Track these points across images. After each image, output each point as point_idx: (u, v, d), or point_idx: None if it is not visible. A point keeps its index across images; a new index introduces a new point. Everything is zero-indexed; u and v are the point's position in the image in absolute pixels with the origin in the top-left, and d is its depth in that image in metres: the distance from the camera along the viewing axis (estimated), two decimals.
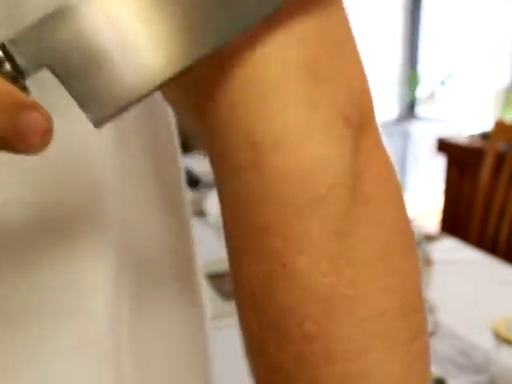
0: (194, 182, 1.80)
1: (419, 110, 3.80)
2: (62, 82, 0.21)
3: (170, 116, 0.39)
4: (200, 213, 1.55)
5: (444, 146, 2.24)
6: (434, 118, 3.71)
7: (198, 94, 0.25)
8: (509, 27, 3.30)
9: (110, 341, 0.32)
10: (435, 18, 3.60)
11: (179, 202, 0.40)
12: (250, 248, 0.24)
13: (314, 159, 0.23)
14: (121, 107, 0.22)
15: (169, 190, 0.38)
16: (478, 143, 2.10)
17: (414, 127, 3.65)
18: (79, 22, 0.21)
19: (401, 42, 3.68)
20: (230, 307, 1.06)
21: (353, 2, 3.36)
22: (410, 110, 3.81)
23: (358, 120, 0.24)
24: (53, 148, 0.21)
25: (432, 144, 2.43)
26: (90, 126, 0.22)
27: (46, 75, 0.21)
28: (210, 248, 1.33)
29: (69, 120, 0.26)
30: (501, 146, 1.79)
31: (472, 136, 2.23)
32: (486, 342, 0.98)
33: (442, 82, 3.59)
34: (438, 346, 0.96)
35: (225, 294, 1.11)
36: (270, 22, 0.23)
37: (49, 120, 0.20)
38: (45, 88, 0.23)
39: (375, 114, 0.26)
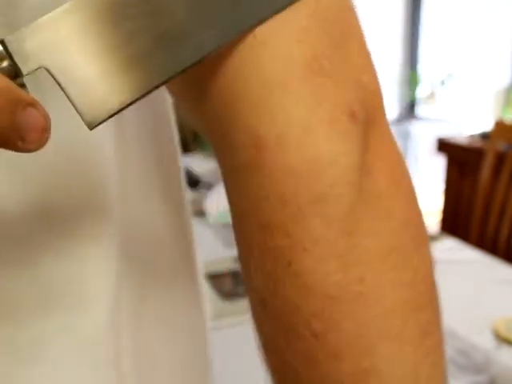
0: (193, 182, 1.80)
1: (419, 109, 3.80)
2: (58, 83, 0.22)
3: (170, 115, 0.39)
4: (200, 213, 1.55)
5: (444, 145, 2.24)
6: (434, 118, 3.71)
7: (201, 91, 0.25)
8: (509, 27, 3.30)
9: (110, 340, 0.32)
10: (435, 18, 3.60)
11: (179, 201, 0.40)
12: (256, 246, 0.24)
13: (318, 157, 0.23)
14: (110, 112, 0.22)
15: (169, 190, 0.38)
16: (478, 143, 2.10)
17: (414, 127, 3.65)
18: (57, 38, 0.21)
19: (401, 42, 3.67)
20: (230, 307, 1.06)
21: (353, 2, 3.36)
22: (409, 110, 3.81)
23: (365, 115, 0.24)
24: (56, 143, 0.21)
25: (432, 144, 2.43)
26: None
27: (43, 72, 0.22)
28: (210, 248, 1.33)
29: (70, 115, 0.26)
30: (501, 146, 1.79)
31: (472, 136, 2.23)
32: (485, 342, 0.98)
33: (442, 82, 3.59)
34: None
35: (225, 294, 1.11)
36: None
37: (46, 117, 0.20)
38: (42, 84, 0.23)
39: (384, 108, 0.26)
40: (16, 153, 0.20)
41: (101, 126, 0.22)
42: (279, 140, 0.23)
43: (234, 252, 0.29)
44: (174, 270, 0.39)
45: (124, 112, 0.22)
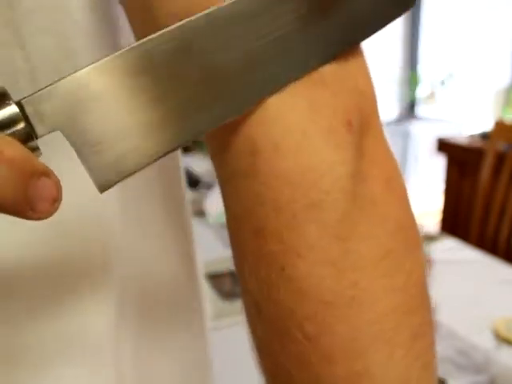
0: (193, 182, 1.80)
1: (419, 109, 3.80)
2: (73, 145, 0.21)
3: None
4: (200, 213, 1.55)
5: (444, 145, 2.24)
6: (434, 117, 3.71)
7: None
8: (509, 27, 3.30)
9: (111, 333, 0.32)
10: (435, 18, 3.60)
11: (179, 202, 0.40)
12: (250, 251, 0.24)
13: (314, 165, 0.23)
14: (125, 175, 0.22)
15: (169, 190, 0.38)
16: (478, 143, 2.10)
17: (414, 127, 3.65)
18: (85, 97, 0.21)
19: (401, 43, 3.67)
20: (230, 307, 1.06)
21: None
22: (409, 110, 3.81)
23: (361, 122, 0.24)
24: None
25: (432, 144, 2.43)
26: None
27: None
28: (209, 248, 1.33)
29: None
30: (501, 145, 1.79)
31: (472, 136, 2.23)
32: (485, 342, 0.98)
33: (442, 82, 3.59)
34: (438, 346, 0.96)
35: (225, 294, 1.11)
36: None
37: (59, 187, 0.20)
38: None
39: (379, 111, 0.26)
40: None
41: None
42: (276, 148, 0.23)
43: None
44: (174, 272, 0.39)
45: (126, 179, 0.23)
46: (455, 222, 2.11)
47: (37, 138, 0.21)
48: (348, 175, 0.23)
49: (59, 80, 0.21)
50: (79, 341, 0.31)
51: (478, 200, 1.78)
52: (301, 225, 0.23)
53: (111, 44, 0.31)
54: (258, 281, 0.24)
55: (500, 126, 1.79)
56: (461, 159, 2.15)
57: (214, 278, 1.17)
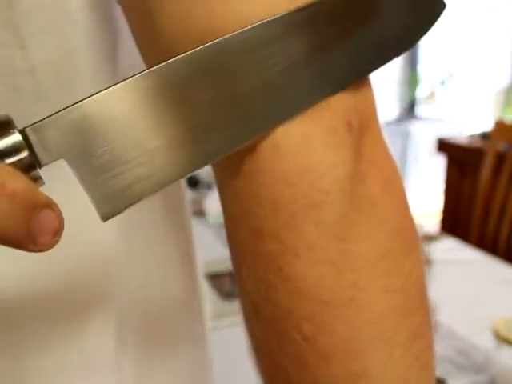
0: (193, 182, 1.80)
1: (419, 110, 3.80)
2: (77, 174, 0.21)
3: None
4: (200, 213, 1.55)
5: (444, 145, 2.24)
6: (434, 117, 3.71)
7: None
8: (509, 27, 3.30)
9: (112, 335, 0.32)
10: None
11: (179, 202, 0.40)
12: (248, 251, 0.24)
13: (314, 165, 0.23)
14: (130, 204, 0.22)
15: (169, 190, 0.38)
16: (478, 143, 2.10)
17: (414, 127, 3.65)
18: (95, 124, 0.21)
19: None
20: (230, 307, 1.06)
21: None
22: (409, 110, 3.81)
23: (360, 123, 0.24)
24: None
25: (432, 144, 2.43)
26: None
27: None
28: (209, 248, 1.33)
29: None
30: (501, 145, 1.79)
31: (472, 136, 2.23)
32: (485, 342, 0.98)
33: (442, 82, 3.59)
34: (438, 346, 0.96)
35: (225, 294, 1.11)
36: None
37: (61, 219, 0.19)
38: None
39: (377, 113, 0.26)
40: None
41: None
42: (276, 148, 0.23)
43: None
44: (173, 273, 0.39)
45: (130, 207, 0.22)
46: (455, 222, 2.11)
47: (40, 167, 0.20)
48: (347, 176, 0.23)
49: (66, 108, 0.21)
50: (79, 366, 0.31)
51: (478, 200, 1.78)
52: (299, 225, 0.23)
53: (111, 44, 0.31)
54: (255, 281, 0.24)
55: (500, 126, 1.79)
56: (461, 159, 2.14)
57: (214, 278, 1.17)
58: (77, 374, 0.31)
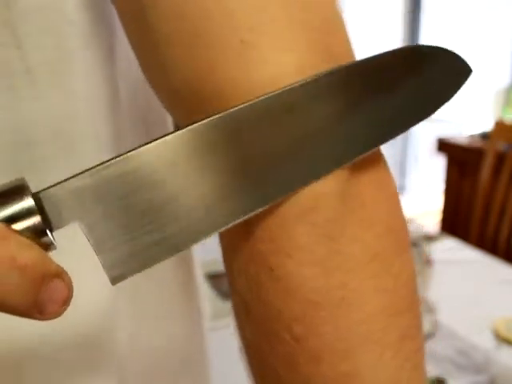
0: None
1: None
2: (89, 237, 0.21)
3: (166, 115, 0.39)
4: None
5: (444, 145, 2.23)
6: (434, 117, 3.70)
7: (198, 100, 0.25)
8: (509, 27, 3.29)
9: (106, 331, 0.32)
10: (435, 19, 3.60)
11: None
12: (240, 251, 0.24)
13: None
14: (142, 268, 0.21)
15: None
16: (478, 143, 2.10)
17: (414, 127, 3.64)
18: (112, 188, 0.20)
19: (401, 42, 3.67)
20: (230, 307, 1.06)
21: (353, 3, 3.36)
22: None
23: None
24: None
25: (432, 144, 2.43)
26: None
27: None
28: (209, 248, 1.33)
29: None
30: (501, 145, 1.79)
31: (472, 136, 2.23)
32: (485, 342, 0.98)
33: None
34: (438, 346, 0.96)
35: (224, 294, 1.11)
36: None
37: (70, 287, 0.19)
38: None
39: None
40: None
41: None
42: None
43: None
44: (171, 273, 0.39)
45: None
46: (455, 222, 2.11)
47: (52, 232, 0.20)
48: (340, 177, 0.23)
49: (80, 173, 0.20)
50: None
51: (478, 200, 1.78)
52: (291, 225, 0.23)
53: (108, 44, 0.31)
54: (247, 281, 0.24)
55: (500, 126, 1.79)
56: (461, 159, 2.14)
57: (214, 278, 1.17)
58: None
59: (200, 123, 0.21)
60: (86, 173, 0.20)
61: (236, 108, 0.21)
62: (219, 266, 1.16)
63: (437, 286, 1.18)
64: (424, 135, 3.55)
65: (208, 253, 1.27)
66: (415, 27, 3.66)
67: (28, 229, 0.19)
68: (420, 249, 1.24)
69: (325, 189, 0.23)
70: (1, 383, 0.29)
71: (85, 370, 0.31)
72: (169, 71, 0.24)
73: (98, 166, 0.20)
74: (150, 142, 0.21)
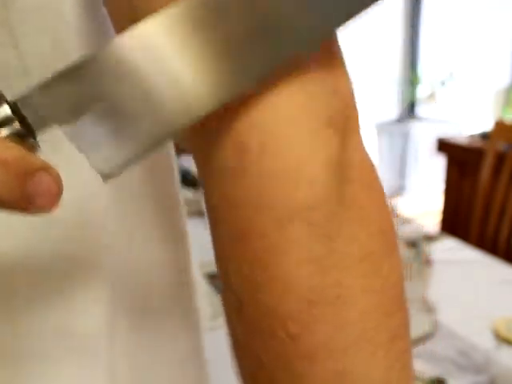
0: (193, 182, 1.80)
1: (419, 110, 3.80)
2: (71, 139, 0.21)
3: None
4: (199, 213, 1.54)
5: (444, 145, 2.23)
6: (434, 118, 3.71)
7: None
8: (509, 27, 3.30)
9: (104, 339, 0.32)
10: (435, 19, 3.60)
11: (174, 202, 0.40)
12: (234, 250, 0.24)
13: (299, 165, 0.23)
14: (135, 155, 0.22)
15: (163, 189, 0.38)
16: (478, 143, 2.10)
17: (414, 127, 3.65)
18: (104, 71, 0.21)
19: (401, 43, 3.67)
20: None
21: None
22: (410, 110, 3.81)
23: (344, 125, 0.24)
24: None
25: (432, 144, 2.43)
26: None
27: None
28: (209, 247, 1.33)
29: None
30: (501, 146, 1.79)
31: (472, 136, 2.23)
32: (486, 342, 0.98)
33: (442, 82, 3.59)
34: (438, 346, 0.96)
35: None
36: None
37: (58, 181, 0.20)
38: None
39: (359, 119, 0.26)
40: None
41: None
42: (263, 148, 0.23)
43: None
44: (168, 271, 0.39)
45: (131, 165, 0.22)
46: (455, 222, 2.11)
47: (35, 136, 0.21)
48: (332, 175, 0.23)
49: (53, 75, 0.21)
50: (72, 332, 0.31)
51: (478, 200, 1.78)
52: (286, 223, 0.23)
53: (104, 44, 0.31)
54: (241, 280, 0.24)
55: (500, 126, 1.79)
56: (461, 159, 2.14)
57: (213, 278, 1.17)
58: (70, 338, 0.31)
59: (180, 5, 0.21)
60: (61, 74, 0.21)
61: None
62: None
63: (437, 286, 1.18)
64: (424, 135, 3.55)
65: (207, 253, 1.27)
66: (415, 27, 3.66)
67: (10, 135, 0.20)
68: (420, 249, 1.24)
69: (322, 187, 0.23)
70: None
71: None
72: None
73: (71, 65, 0.21)
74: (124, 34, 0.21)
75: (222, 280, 0.26)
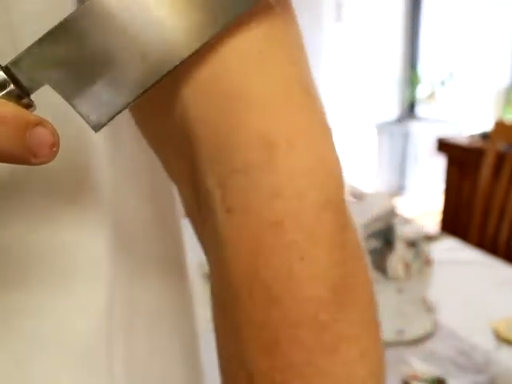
0: None
1: (419, 109, 3.80)
2: (64, 95, 0.24)
3: None
4: None
5: (444, 146, 2.23)
6: (434, 118, 3.71)
7: (195, 95, 0.26)
8: (509, 27, 3.30)
9: (102, 345, 0.32)
10: (435, 18, 3.60)
11: (170, 202, 0.40)
12: (266, 243, 0.25)
13: (325, 157, 0.26)
14: (121, 105, 0.24)
15: (160, 183, 0.38)
16: (478, 143, 2.10)
17: (414, 127, 3.65)
18: (91, 24, 0.23)
19: (401, 42, 3.67)
20: None
21: (353, 3, 3.36)
22: (409, 110, 3.81)
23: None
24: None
25: (432, 144, 2.43)
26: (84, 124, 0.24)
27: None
28: None
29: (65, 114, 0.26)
30: (501, 146, 1.79)
31: (472, 136, 2.23)
32: (485, 342, 0.98)
33: (442, 82, 3.59)
34: (438, 346, 0.96)
35: None
36: None
37: (54, 133, 0.22)
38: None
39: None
40: None
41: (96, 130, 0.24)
42: (290, 143, 0.25)
43: None
44: (164, 273, 0.39)
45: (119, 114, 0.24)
46: (455, 222, 2.11)
47: (28, 95, 0.23)
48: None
49: (41, 36, 0.23)
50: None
51: (478, 200, 1.78)
52: (318, 214, 0.25)
53: None
54: (275, 272, 0.25)
55: (500, 125, 1.79)
56: (461, 159, 2.14)
57: None
58: (70, 340, 0.31)
59: None
60: (49, 33, 0.23)
61: None
62: None
63: (437, 286, 1.18)
64: (424, 135, 3.55)
65: None
66: (415, 27, 3.66)
67: (6, 96, 0.22)
68: (420, 249, 1.24)
69: (342, 176, 0.26)
70: None
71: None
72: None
73: (58, 24, 0.23)
74: None
75: (236, 276, 0.26)
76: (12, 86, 0.22)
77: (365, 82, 3.51)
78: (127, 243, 0.35)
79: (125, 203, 0.35)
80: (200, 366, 0.43)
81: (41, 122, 0.22)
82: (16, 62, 0.23)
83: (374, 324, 0.27)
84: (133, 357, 0.36)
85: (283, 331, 0.25)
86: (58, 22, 0.23)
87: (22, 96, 0.22)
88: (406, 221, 1.41)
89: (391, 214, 1.29)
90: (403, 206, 3.31)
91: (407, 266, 1.21)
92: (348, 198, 0.26)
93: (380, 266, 1.23)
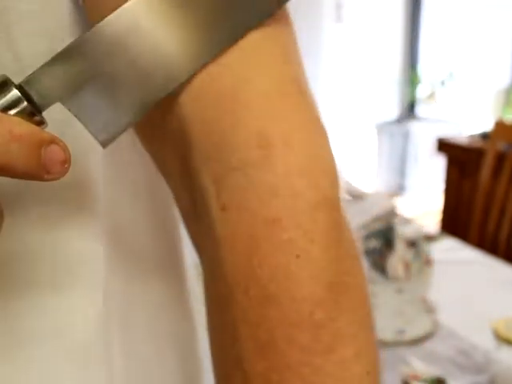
0: None
1: (419, 109, 3.80)
2: (74, 114, 0.25)
3: None
4: None
5: (444, 146, 2.23)
6: (434, 118, 3.71)
7: (193, 95, 0.26)
8: (509, 27, 3.30)
9: (100, 341, 0.32)
10: (435, 18, 3.60)
11: (168, 201, 0.40)
12: (262, 240, 0.25)
13: (320, 155, 0.26)
14: (126, 124, 0.25)
15: (158, 189, 0.38)
16: (478, 143, 2.10)
17: (414, 127, 3.65)
18: (96, 48, 0.24)
19: (401, 42, 3.67)
20: None
21: (353, 3, 3.36)
22: (410, 110, 3.81)
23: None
24: None
25: (432, 144, 2.43)
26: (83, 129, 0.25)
27: None
28: None
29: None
30: (501, 145, 1.79)
31: (472, 136, 2.23)
32: (485, 342, 0.98)
33: (442, 82, 3.59)
34: (438, 346, 0.96)
35: None
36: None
37: (66, 150, 0.23)
38: None
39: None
40: None
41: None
42: (286, 142, 0.25)
43: None
44: (161, 269, 0.39)
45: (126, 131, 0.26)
46: (455, 222, 2.11)
47: (40, 113, 0.24)
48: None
49: (52, 57, 0.24)
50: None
51: (478, 200, 1.78)
52: (313, 213, 0.25)
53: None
54: (271, 270, 0.25)
55: (500, 125, 1.79)
56: (461, 159, 2.14)
57: None
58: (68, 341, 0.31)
59: None
60: (58, 55, 0.24)
61: None
62: None
63: (437, 286, 1.18)
64: (424, 135, 3.55)
65: None
66: (415, 27, 3.66)
67: (19, 113, 0.23)
68: (420, 249, 1.24)
69: (337, 176, 0.26)
70: None
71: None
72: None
73: (66, 47, 0.24)
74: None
75: (234, 275, 0.26)
76: (25, 104, 0.23)
77: (365, 82, 3.51)
78: (125, 243, 0.36)
79: (122, 203, 0.35)
80: (200, 362, 0.43)
81: (54, 140, 0.22)
82: (29, 80, 0.24)
83: (369, 323, 0.27)
84: (132, 355, 0.36)
85: (279, 330, 0.25)
86: (69, 43, 0.24)
87: (34, 113, 0.23)
88: (406, 221, 1.41)
89: (391, 213, 1.29)
90: (403, 206, 3.31)
91: (407, 266, 1.21)
92: (343, 196, 0.26)
93: (380, 266, 1.23)
